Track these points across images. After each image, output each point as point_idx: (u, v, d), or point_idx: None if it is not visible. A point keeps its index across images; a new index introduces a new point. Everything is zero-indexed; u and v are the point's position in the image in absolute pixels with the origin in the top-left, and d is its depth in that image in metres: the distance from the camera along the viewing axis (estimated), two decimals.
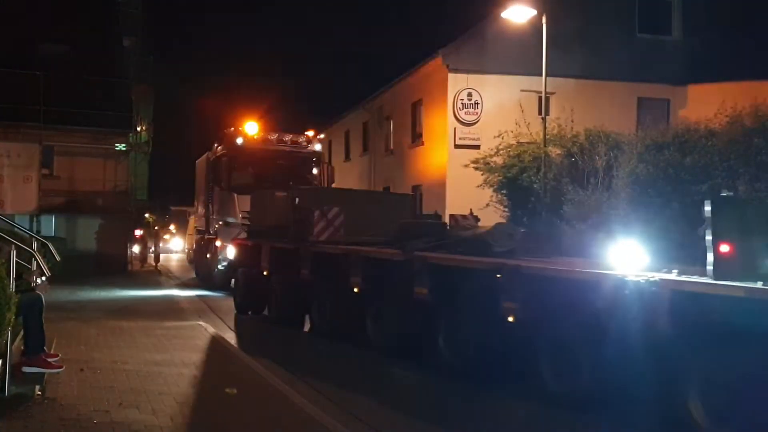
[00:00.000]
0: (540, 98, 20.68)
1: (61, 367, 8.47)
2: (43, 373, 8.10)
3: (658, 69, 23.75)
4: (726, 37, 23.31)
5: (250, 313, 16.98)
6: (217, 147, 23.39)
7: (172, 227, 64.72)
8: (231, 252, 19.42)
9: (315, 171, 23.42)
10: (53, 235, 25.89)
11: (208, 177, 24.11)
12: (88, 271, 22.97)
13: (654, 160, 16.30)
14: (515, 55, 21.98)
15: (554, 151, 20.12)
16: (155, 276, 31.05)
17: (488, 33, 22.89)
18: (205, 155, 25.49)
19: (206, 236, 24.87)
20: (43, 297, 8.31)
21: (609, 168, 18.16)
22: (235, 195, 21.28)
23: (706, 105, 17.94)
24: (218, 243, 21.97)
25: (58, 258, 9.67)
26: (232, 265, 18.63)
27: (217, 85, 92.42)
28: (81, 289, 21.14)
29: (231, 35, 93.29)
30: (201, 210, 26.37)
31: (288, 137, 22.67)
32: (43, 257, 9.16)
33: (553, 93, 21.70)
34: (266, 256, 15.36)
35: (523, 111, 22.31)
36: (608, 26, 23.86)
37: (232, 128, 22.57)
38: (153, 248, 37.70)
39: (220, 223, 22.48)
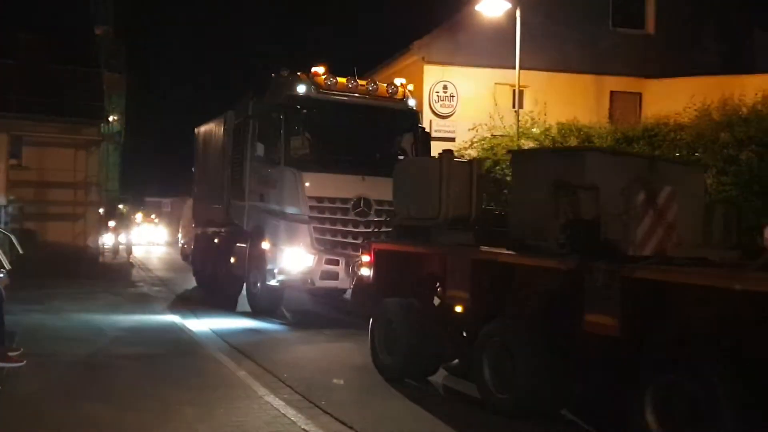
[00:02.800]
0: (514, 91, 20.60)
1: (22, 361, 8.32)
2: (3, 368, 7.95)
3: (630, 63, 23.60)
4: (697, 31, 23.47)
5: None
6: (259, 100, 15.30)
7: (154, 217, 62.62)
8: (303, 262, 13.37)
9: (408, 138, 15.15)
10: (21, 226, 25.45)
11: (237, 147, 16.19)
12: (56, 265, 22.13)
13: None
14: (490, 48, 21.89)
15: (527, 144, 19.95)
16: (132, 274, 26.46)
17: (464, 25, 22.74)
18: (223, 117, 17.55)
19: (225, 232, 17.29)
20: (2, 290, 8.15)
21: None
22: (296, 173, 13.52)
23: (676, 99, 17.87)
24: (266, 245, 14.08)
25: (21, 251, 9.53)
26: (360, 289, 10.65)
27: (192, 78, 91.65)
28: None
29: (205, 28, 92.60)
30: (211, 193, 18.42)
31: (374, 86, 14.53)
32: (8, 250, 9.02)
33: (526, 86, 21.60)
34: (461, 278, 8.41)
35: (497, 104, 22.26)
36: (582, 20, 23.62)
37: (287, 72, 14.50)
38: (126, 240, 36.88)
39: (268, 215, 14.33)
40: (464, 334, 8.83)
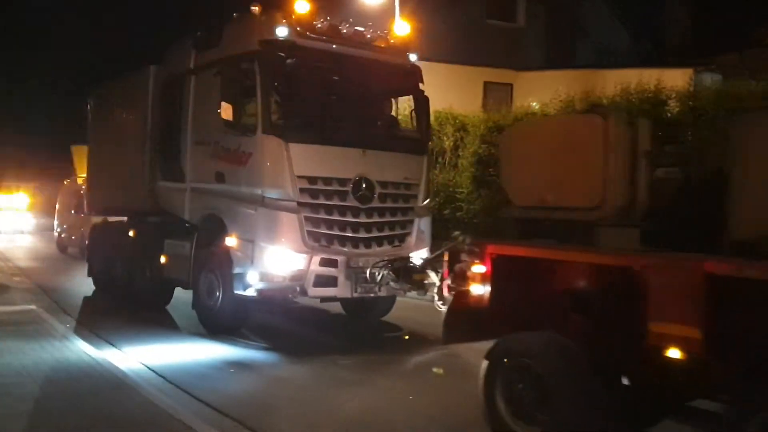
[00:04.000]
0: None
1: None
2: None
3: (503, 55, 21.79)
4: (566, 26, 22.70)
5: None
6: (208, 49, 9.63)
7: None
8: (292, 263, 8.37)
9: (407, 102, 10.28)
10: None
11: (168, 112, 10.48)
12: None
13: (495, 141, 15.40)
14: None
15: None
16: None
17: (341, 9, 19.77)
18: (140, 75, 11.45)
19: (148, 223, 11.51)
20: None
21: (456, 148, 17.22)
22: (282, 143, 8.41)
23: (544, 90, 16.81)
24: (232, 242, 8.81)
25: None
26: (465, 314, 5.51)
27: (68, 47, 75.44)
28: None
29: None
30: (119, 174, 12.24)
31: (370, 33, 9.36)
32: None
33: None
34: (686, 306, 4.21)
35: None
36: (459, 11, 21.67)
37: (257, 7, 8.77)
38: None
39: (233, 201, 8.93)
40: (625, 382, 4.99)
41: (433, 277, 7.53)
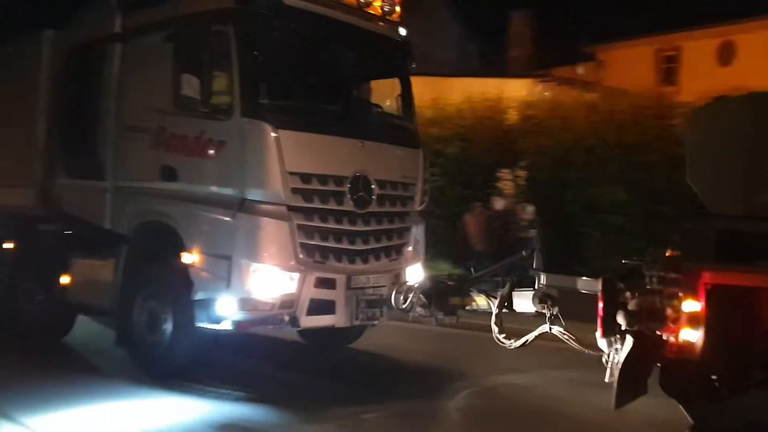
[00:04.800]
0: None
1: None
2: None
3: None
4: (416, 34, 23.95)
5: None
6: (169, 4, 6.87)
7: None
8: (281, 285, 6.19)
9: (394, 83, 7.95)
10: None
11: (77, 89, 7.63)
12: None
13: None
14: None
15: None
16: None
17: None
18: (27, 43, 8.47)
19: (41, 232, 8.30)
20: None
21: None
22: (270, 130, 6.17)
23: (394, 95, 16.16)
24: (193, 258, 6.32)
25: None
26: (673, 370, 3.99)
27: None
28: None
29: None
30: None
31: None
32: None
33: None
34: None
35: None
36: None
37: None
38: None
39: (194, 205, 6.52)
40: None
41: (483, 302, 5.82)
